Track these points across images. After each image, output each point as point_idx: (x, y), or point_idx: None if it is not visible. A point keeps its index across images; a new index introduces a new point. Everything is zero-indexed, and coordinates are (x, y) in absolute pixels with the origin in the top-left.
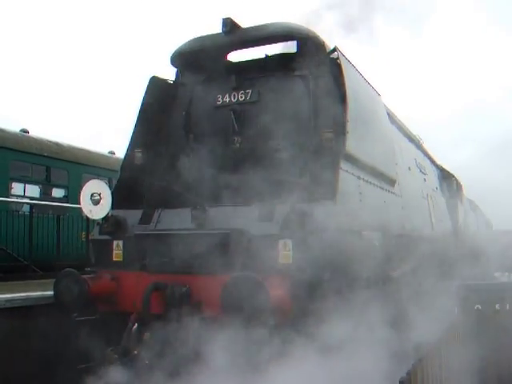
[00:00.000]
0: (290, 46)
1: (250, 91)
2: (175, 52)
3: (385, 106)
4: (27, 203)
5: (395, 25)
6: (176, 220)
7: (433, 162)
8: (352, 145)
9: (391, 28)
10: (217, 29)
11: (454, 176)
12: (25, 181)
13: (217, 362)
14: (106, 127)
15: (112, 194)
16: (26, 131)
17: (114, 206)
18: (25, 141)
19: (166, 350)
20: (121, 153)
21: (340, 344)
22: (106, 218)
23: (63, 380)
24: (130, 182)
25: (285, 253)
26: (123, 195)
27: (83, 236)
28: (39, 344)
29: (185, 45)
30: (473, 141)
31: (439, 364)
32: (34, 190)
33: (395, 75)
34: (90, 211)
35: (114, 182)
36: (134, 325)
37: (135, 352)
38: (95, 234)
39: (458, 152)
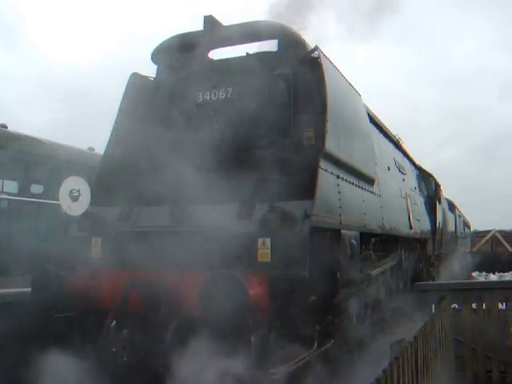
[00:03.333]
0: (271, 45)
1: (231, 89)
2: (156, 49)
3: (365, 106)
4: (5, 199)
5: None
6: (155, 217)
7: (412, 161)
8: (331, 144)
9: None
10: (198, 26)
11: (432, 176)
12: (3, 176)
13: (194, 361)
14: (86, 123)
15: (91, 190)
16: (5, 126)
17: (92, 202)
18: (3, 136)
19: (144, 347)
20: (100, 149)
21: (318, 342)
22: (84, 215)
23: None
24: (110, 179)
25: (263, 251)
26: (102, 192)
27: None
28: (17, 341)
29: (166, 42)
30: (455, 142)
31: (416, 362)
32: (11, 186)
33: (381, 75)
34: (69, 207)
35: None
36: (112, 322)
37: (113, 349)
38: (73, 231)
39: (440, 153)
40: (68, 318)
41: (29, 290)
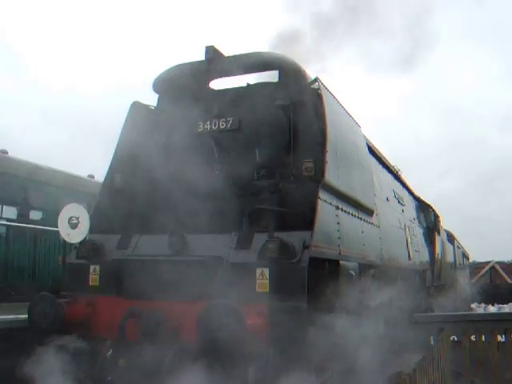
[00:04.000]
0: (271, 76)
1: (231, 119)
2: (157, 78)
3: (364, 137)
4: (4, 225)
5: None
6: (154, 246)
7: (411, 192)
8: (331, 175)
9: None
10: (200, 56)
11: (431, 207)
12: (2, 202)
13: None
14: (86, 150)
15: (90, 218)
16: (5, 152)
17: (91, 230)
18: (4, 162)
19: (140, 377)
20: (100, 177)
21: (316, 374)
22: (83, 242)
23: None
24: (109, 207)
25: (262, 281)
26: (101, 220)
27: (60, 260)
28: (12, 367)
29: (167, 71)
30: (454, 174)
31: None
32: (10, 212)
33: (380, 106)
34: (68, 235)
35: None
36: (108, 350)
37: (109, 378)
38: (72, 258)
39: (439, 184)
40: (64, 345)
41: (25, 316)
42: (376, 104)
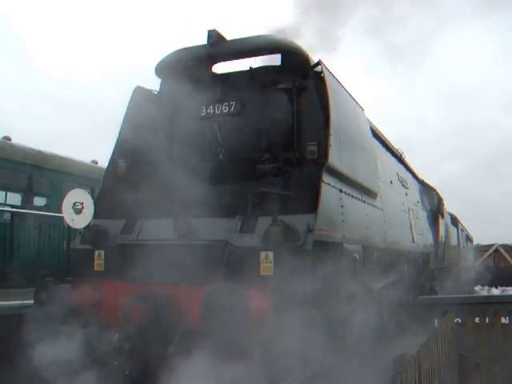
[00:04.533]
0: (274, 59)
1: (234, 103)
2: (160, 62)
3: (368, 120)
4: (8, 211)
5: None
6: (158, 230)
7: (415, 176)
8: (334, 158)
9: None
10: (202, 40)
11: (435, 190)
12: (6, 189)
13: (196, 374)
14: (89, 136)
15: (94, 203)
16: (9, 138)
17: (96, 215)
18: (7, 148)
19: (146, 361)
20: (104, 162)
21: (320, 356)
22: (87, 228)
23: None
24: (113, 192)
25: (266, 265)
26: (106, 205)
27: (65, 245)
28: (19, 353)
29: (170, 55)
30: (458, 157)
31: (419, 377)
32: (15, 198)
33: (388, 88)
34: (72, 220)
35: (97, 191)
36: (114, 335)
37: (115, 362)
38: (77, 244)
39: (443, 167)
40: (70, 331)
41: (31, 302)
42: (380, 87)
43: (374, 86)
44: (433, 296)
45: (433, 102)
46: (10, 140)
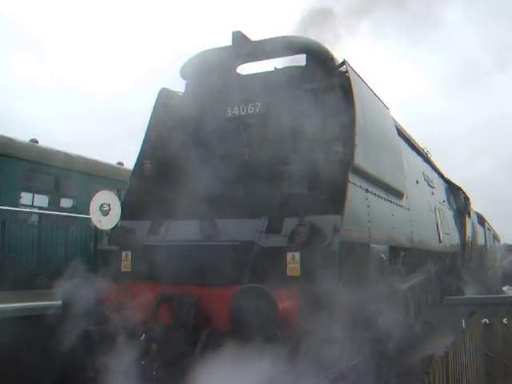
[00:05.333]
0: (299, 60)
1: (259, 104)
2: (185, 64)
3: (393, 119)
4: (36, 213)
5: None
6: (184, 231)
7: (440, 175)
8: (360, 158)
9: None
10: (227, 41)
11: (461, 189)
12: (34, 191)
13: (222, 375)
14: (115, 138)
15: (121, 204)
16: (36, 141)
17: (123, 216)
18: (35, 151)
19: (173, 361)
20: (130, 164)
21: (347, 357)
22: (114, 229)
23: None
24: (139, 193)
25: (293, 265)
26: (132, 206)
27: (92, 246)
28: (47, 353)
29: (194, 57)
30: (486, 154)
31: (446, 377)
32: (42, 200)
33: (411, 84)
34: (100, 221)
35: (123, 192)
36: (141, 335)
37: (142, 363)
38: (104, 245)
39: (471, 165)
40: (98, 331)
41: (59, 303)
42: (406, 84)
43: (403, 82)
44: (460, 296)
45: (460, 97)
46: (37, 142)
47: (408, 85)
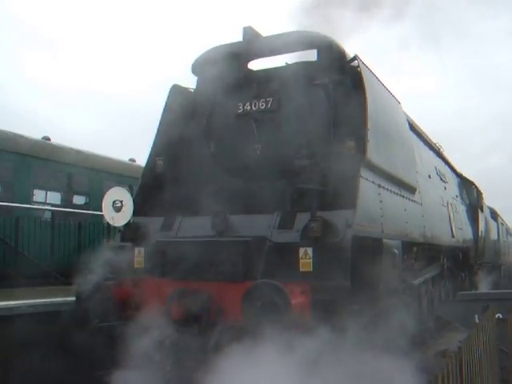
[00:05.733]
0: (310, 55)
1: (271, 99)
2: (196, 60)
3: (405, 113)
4: (49, 210)
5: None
6: (197, 227)
7: (453, 169)
8: (372, 153)
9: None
10: (237, 37)
11: (474, 184)
12: (46, 188)
13: (237, 369)
14: (127, 135)
15: (133, 201)
16: (48, 138)
17: (135, 213)
18: (47, 148)
19: (186, 356)
20: (141, 160)
21: (359, 352)
22: (127, 225)
23: None
24: (151, 190)
25: (305, 261)
26: (144, 202)
27: (104, 243)
28: (61, 349)
29: (205, 53)
30: (499, 147)
31: (460, 373)
32: (55, 197)
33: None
34: (112, 218)
35: (135, 189)
36: (155, 331)
37: (157, 358)
38: (116, 241)
39: (484, 159)
40: (111, 327)
41: (73, 299)
42: (417, 78)
43: (414, 76)
44: (473, 291)
45: (473, 90)
46: (50, 140)
47: (420, 77)
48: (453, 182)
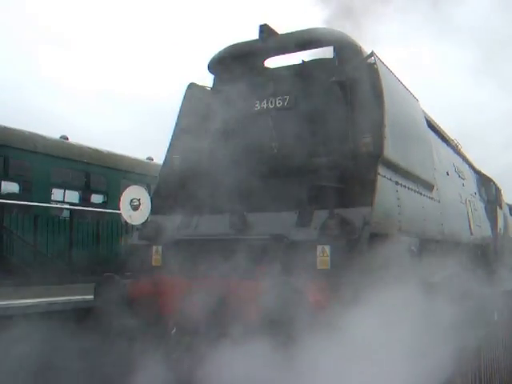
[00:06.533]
0: (326, 52)
1: (288, 97)
2: (212, 59)
3: (422, 110)
4: (67, 209)
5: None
6: (215, 226)
7: (471, 166)
8: (390, 150)
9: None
10: (253, 35)
11: (492, 180)
12: (65, 187)
13: (253, 368)
14: (145, 134)
15: (151, 199)
16: (66, 138)
17: (153, 211)
18: (65, 147)
19: (204, 354)
20: (159, 159)
21: (377, 351)
22: (145, 224)
23: None
24: (169, 188)
25: (323, 258)
26: (162, 201)
27: (122, 241)
28: (79, 348)
29: (222, 51)
30: None
31: (479, 371)
32: (73, 196)
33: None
34: (130, 216)
35: (153, 187)
36: (173, 329)
37: (174, 356)
38: (134, 239)
39: (503, 154)
40: (130, 325)
41: (91, 297)
42: (437, 73)
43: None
44: (492, 288)
45: (492, 85)
46: (68, 139)
47: (437, 72)
48: (471, 178)
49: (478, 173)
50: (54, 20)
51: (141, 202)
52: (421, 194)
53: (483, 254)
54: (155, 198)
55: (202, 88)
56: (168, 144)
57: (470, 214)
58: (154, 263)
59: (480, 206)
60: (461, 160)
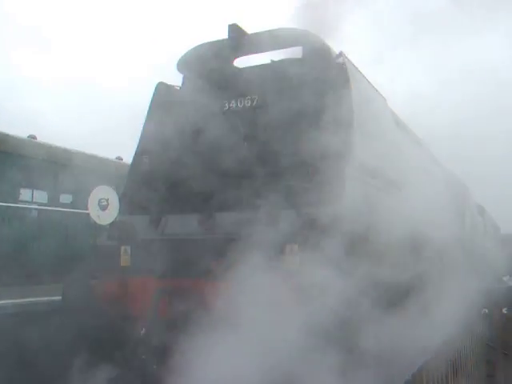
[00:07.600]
0: (295, 52)
1: (256, 97)
2: (181, 58)
3: (390, 109)
4: (35, 209)
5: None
6: (183, 225)
7: (439, 165)
8: (359, 150)
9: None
10: (222, 35)
11: (460, 180)
12: (33, 187)
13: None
14: (113, 133)
15: (119, 199)
16: (34, 137)
17: (121, 211)
18: (33, 147)
19: (173, 354)
20: (128, 159)
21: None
22: (113, 224)
23: None
24: (137, 188)
25: (291, 257)
26: (131, 201)
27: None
28: (47, 349)
29: (191, 51)
30: (482, 144)
31: (445, 368)
32: (41, 196)
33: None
34: (98, 217)
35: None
36: (141, 330)
37: (143, 357)
38: (103, 240)
39: (467, 155)
40: (98, 326)
41: (59, 298)
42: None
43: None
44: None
45: (460, 86)
46: (36, 138)
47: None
48: (439, 177)
49: (446, 172)
50: (21, 13)
51: (109, 201)
52: (389, 192)
53: (452, 254)
54: (124, 197)
55: (171, 87)
56: (137, 143)
57: (440, 214)
58: (122, 263)
59: (449, 205)
60: (429, 159)
